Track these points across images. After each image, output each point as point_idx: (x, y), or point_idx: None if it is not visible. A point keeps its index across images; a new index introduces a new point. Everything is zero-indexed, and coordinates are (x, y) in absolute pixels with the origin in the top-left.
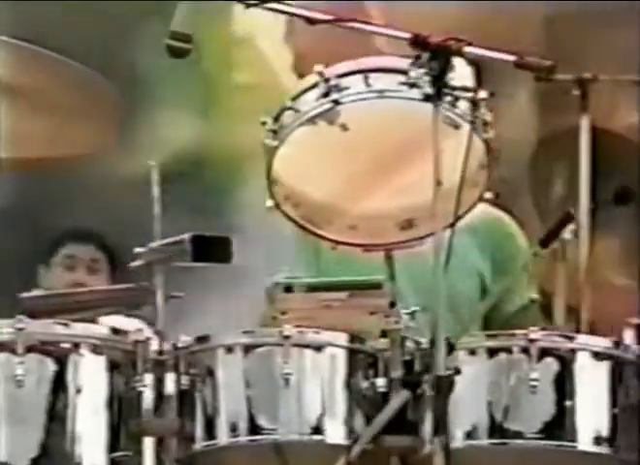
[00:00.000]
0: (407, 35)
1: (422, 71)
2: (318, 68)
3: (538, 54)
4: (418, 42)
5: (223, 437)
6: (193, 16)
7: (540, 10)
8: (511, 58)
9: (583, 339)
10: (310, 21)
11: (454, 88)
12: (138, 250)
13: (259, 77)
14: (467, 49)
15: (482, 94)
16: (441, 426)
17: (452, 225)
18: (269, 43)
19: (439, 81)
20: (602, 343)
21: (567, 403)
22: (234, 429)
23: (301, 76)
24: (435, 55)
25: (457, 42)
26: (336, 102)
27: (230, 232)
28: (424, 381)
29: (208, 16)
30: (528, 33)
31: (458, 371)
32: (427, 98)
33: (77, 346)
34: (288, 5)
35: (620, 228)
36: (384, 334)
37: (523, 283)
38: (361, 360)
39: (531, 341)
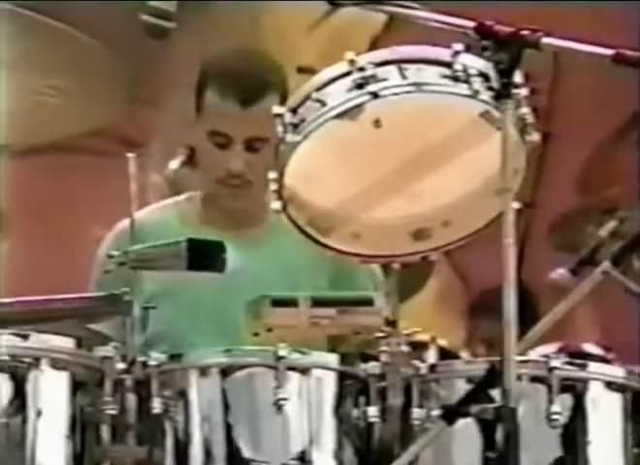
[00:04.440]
0: (471, 23)
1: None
2: (349, 55)
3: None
4: (484, 31)
5: None
6: None
7: None
8: (608, 52)
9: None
10: (335, 4)
11: (515, 85)
12: (114, 253)
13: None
14: (546, 41)
15: (523, 92)
16: None
17: (472, 235)
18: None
19: (508, 76)
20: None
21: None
22: (209, 458)
23: None
24: (504, 47)
25: (532, 32)
26: (375, 94)
27: None
28: (470, 412)
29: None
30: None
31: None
32: (497, 95)
33: (37, 360)
34: None
35: None
36: (366, 357)
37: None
38: (350, 386)
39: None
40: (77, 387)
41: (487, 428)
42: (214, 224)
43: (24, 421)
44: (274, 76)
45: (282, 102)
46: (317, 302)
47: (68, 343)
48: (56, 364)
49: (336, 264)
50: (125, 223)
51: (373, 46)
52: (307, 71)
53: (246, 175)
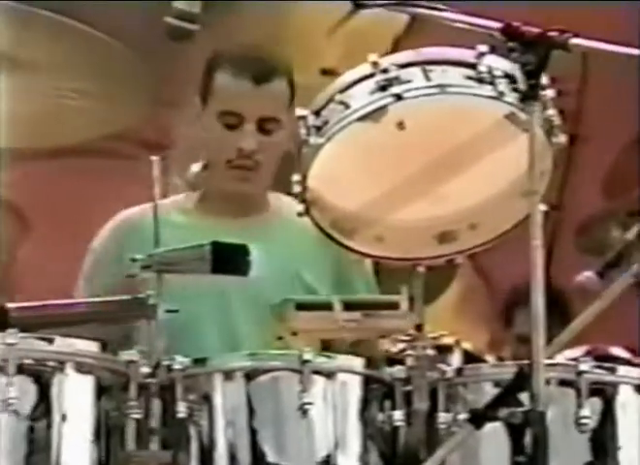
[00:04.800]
0: (497, 24)
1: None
2: (373, 57)
3: None
4: (510, 32)
5: None
6: None
7: None
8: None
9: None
10: (358, 5)
11: (542, 87)
12: (138, 256)
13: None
14: (575, 42)
15: (550, 93)
16: None
17: (499, 238)
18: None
19: (535, 78)
20: None
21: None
22: (233, 463)
23: None
24: (531, 48)
25: (560, 33)
26: (399, 96)
27: None
28: (498, 415)
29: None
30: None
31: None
32: (523, 97)
33: (62, 364)
34: None
35: None
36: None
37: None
38: (376, 390)
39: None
40: (101, 391)
41: (515, 432)
42: (214, 212)
43: (49, 426)
44: (282, 62)
45: (290, 89)
46: (343, 306)
47: (93, 347)
48: (81, 368)
49: (337, 255)
50: (121, 217)
51: (395, 47)
52: (331, 73)
53: (257, 156)
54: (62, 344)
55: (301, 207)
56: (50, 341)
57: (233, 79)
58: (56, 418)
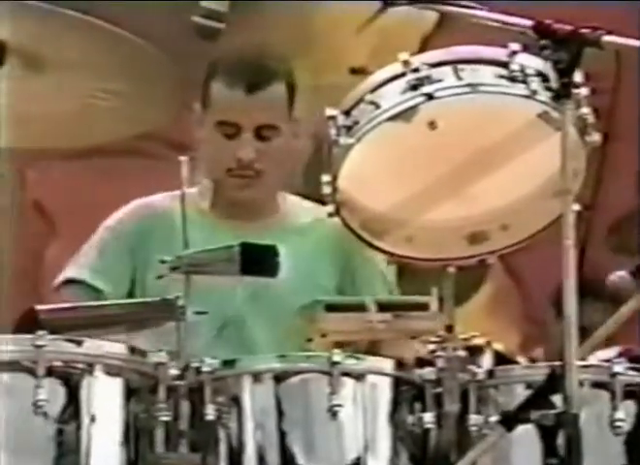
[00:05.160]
0: (528, 22)
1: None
2: (403, 56)
3: None
4: (542, 30)
5: None
6: None
7: None
8: None
9: None
10: (386, 3)
11: (575, 85)
12: (167, 258)
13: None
14: (607, 39)
15: (584, 91)
16: None
17: (531, 238)
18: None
19: (568, 76)
20: None
21: None
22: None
23: None
24: (564, 45)
25: (593, 30)
26: (430, 96)
27: None
28: (530, 417)
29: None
30: None
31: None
32: (556, 95)
33: (91, 366)
34: None
35: None
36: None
37: None
38: (406, 392)
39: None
40: (130, 393)
41: (547, 435)
42: (226, 214)
43: (78, 428)
44: (280, 65)
45: (289, 93)
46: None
47: (122, 349)
48: (110, 370)
49: (347, 257)
50: (138, 203)
51: (424, 46)
52: (361, 71)
53: (257, 165)
54: (91, 346)
55: (331, 208)
56: (79, 343)
57: (226, 90)
58: (85, 420)
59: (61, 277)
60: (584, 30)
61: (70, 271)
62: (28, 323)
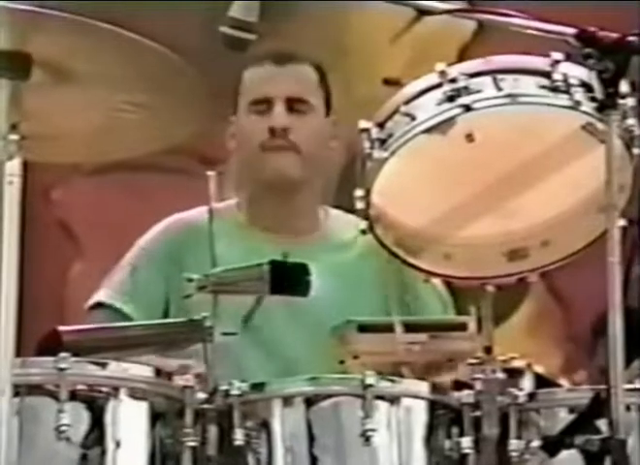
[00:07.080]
0: (572, 30)
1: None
2: (440, 66)
3: None
4: (586, 38)
5: None
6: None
7: None
8: None
9: None
10: (422, 12)
11: (621, 95)
12: (194, 277)
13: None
14: None
15: (630, 102)
16: None
17: (573, 255)
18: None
19: (613, 86)
20: None
21: None
22: None
23: None
24: (609, 54)
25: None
26: (467, 107)
27: None
28: (574, 443)
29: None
30: None
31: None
32: (601, 106)
33: (116, 390)
34: None
35: None
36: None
37: None
38: (442, 415)
39: None
40: (156, 417)
41: (592, 461)
42: (266, 226)
43: (103, 453)
44: (310, 57)
45: (320, 76)
46: (408, 327)
47: (147, 372)
48: (135, 394)
49: (400, 277)
50: (172, 220)
51: (461, 56)
52: (394, 83)
53: (291, 135)
54: (116, 369)
55: (364, 224)
56: (104, 366)
57: (256, 68)
58: (110, 445)
59: (92, 300)
60: (631, 38)
61: (101, 294)
62: (51, 344)
